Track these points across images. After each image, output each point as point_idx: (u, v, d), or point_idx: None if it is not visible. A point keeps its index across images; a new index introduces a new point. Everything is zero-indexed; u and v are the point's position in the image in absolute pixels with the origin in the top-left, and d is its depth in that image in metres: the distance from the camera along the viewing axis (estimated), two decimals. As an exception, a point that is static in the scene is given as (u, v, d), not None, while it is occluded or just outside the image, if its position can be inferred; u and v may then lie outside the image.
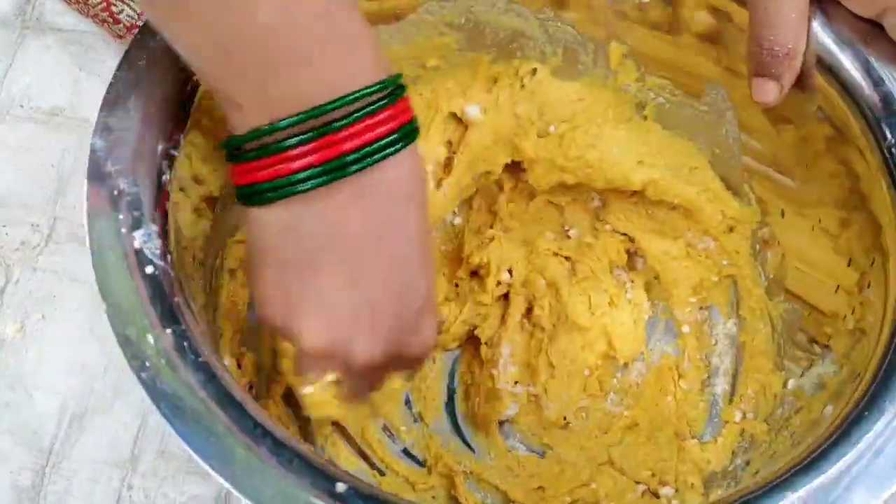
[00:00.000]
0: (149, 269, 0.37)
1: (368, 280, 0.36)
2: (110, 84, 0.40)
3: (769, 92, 0.42)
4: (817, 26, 0.42)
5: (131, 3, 0.61)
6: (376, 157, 0.34)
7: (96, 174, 0.38)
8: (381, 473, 0.53)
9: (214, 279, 0.48)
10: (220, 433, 0.34)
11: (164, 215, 0.39)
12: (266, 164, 0.33)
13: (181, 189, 0.42)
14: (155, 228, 0.38)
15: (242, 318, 0.49)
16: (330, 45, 0.33)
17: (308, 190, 0.33)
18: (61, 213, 0.61)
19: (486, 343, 0.55)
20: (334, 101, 0.32)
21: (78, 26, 0.67)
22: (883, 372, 0.37)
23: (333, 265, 0.35)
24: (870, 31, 0.41)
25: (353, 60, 0.33)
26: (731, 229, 0.54)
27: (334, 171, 0.33)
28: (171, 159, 0.40)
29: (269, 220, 0.35)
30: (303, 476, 0.33)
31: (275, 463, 0.34)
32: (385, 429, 0.54)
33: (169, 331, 0.36)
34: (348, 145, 0.33)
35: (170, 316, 0.36)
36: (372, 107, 0.33)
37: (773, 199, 0.52)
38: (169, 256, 0.38)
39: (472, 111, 0.54)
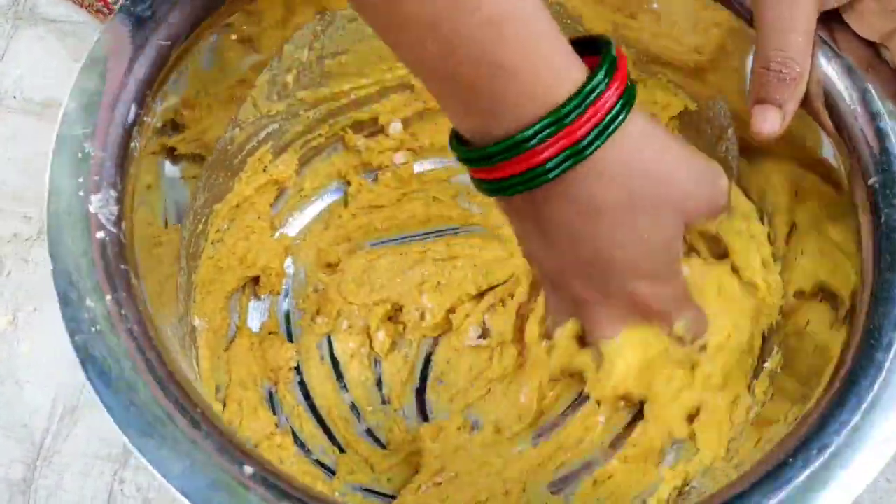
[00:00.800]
0: (99, 234, 0.37)
1: (654, 267, 0.42)
2: (92, 48, 0.41)
3: (771, 121, 0.41)
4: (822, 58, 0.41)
5: None
6: (606, 133, 0.36)
7: (65, 136, 0.39)
8: (342, 450, 0.53)
9: (194, 244, 0.49)
10: (141, 403, 0.35)
11: (126, 182, 0.39)
12: (514, 163, 0.36)
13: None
14: (114, 194, 0.38)
15: (235, 279, 0.52)
16: (551, 42, 0.36)
17: (555, 178, 0.36)
18: (54, 205, 0.61)
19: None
20: (570, 100, 0.35)
21: (72, 17, 0.67)
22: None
23: (628, 258, 0.41)
24: (872, 58, 0.41)
25: (569, 53, 0.36)
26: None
27: (574, 155, 0.36)
28: (142, 126, 0.41)
29: (521, 206, 0.40)
30: (214, 454, 0.34)
31: (190, 439, 0.34)
32: (353, 407, 0.55)
33: (109, 297, 0.36)
34: (581, 131, 0.36)
35: (113, 283, 0.37)
36: (597, 91, 0.36)
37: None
38: (123, 224, 0.39)
39: None
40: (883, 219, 0.39)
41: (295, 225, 0.59)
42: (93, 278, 0.37)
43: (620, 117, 0.37)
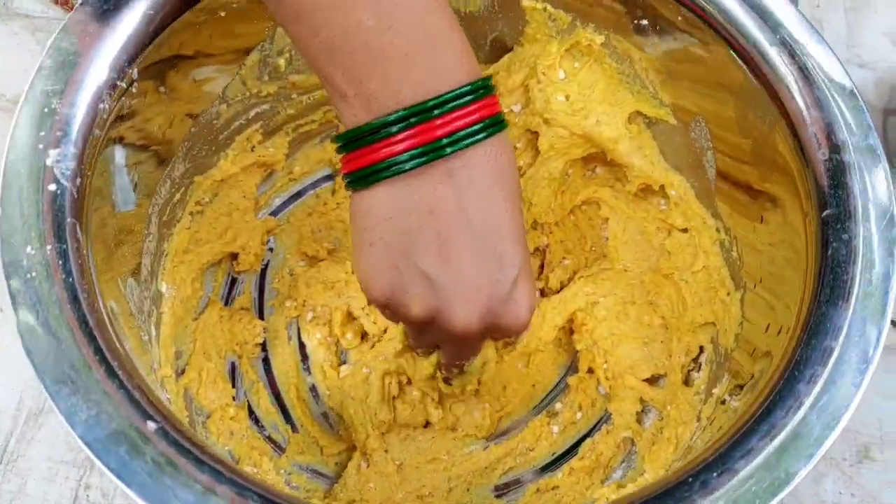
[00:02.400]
0: (52, 187, 0.37)
1: (462, 255, 0.38)
2: (74, 11, 0.40)
3: None
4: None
5: None
6: (467, 141, 0.37)
7: (34, 92, 0.39)
8: (294, 430, 0.52)
9: (170, 212, 0.48)
10: (63, 349, 0.34)
11: (88, 141, 0.39)
12: (375, 149, 0.37)
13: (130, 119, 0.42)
14: (73, 151, 0.38)
15: (212, 252, 0.52)
16: (427, 50, 0.36)
17: (410, 169, 0.37)
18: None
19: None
20: (431, 100, 0.36)
21: (46, 13, 0.65)
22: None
23: (429, 240, 0.38)
24: None
25: (448, 62, 0.37)
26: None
27: (431, 152, 0.36)
28: (114, 89, 0.40)
29: (373, 202, 0.38)
30: (123, 406, 0.34)
31: (102, 389, 0.34)
32: (313, 389, 0.54)
33: (50, 247, 0.36)
34: (442, 131, 0.36)
35: (57, 234, 0.36)
36: (462, 100, 0.37)
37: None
38: (79, 180, 0.38)
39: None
40: (830, 252, 0.39)
41: (280, 207, 0.57)
42: (38, 227, 0.36)
43: (480, 136, 0.37)
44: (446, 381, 0.51)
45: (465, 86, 0.37)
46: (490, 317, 0.40)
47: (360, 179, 0.38)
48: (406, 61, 0.36)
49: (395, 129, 0.36)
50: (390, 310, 0.40)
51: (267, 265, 0.56)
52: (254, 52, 0.49)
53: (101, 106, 0.39)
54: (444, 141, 0.37)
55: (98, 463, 0.33)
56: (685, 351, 0.52)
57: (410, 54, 0.36)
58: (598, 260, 0.56)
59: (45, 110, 0.38)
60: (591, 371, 0.54)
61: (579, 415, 0.54)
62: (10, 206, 0.36)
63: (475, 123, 0.37)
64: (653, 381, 0.53)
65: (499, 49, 0.55)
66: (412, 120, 0.36)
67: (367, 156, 0.37)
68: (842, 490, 0.53)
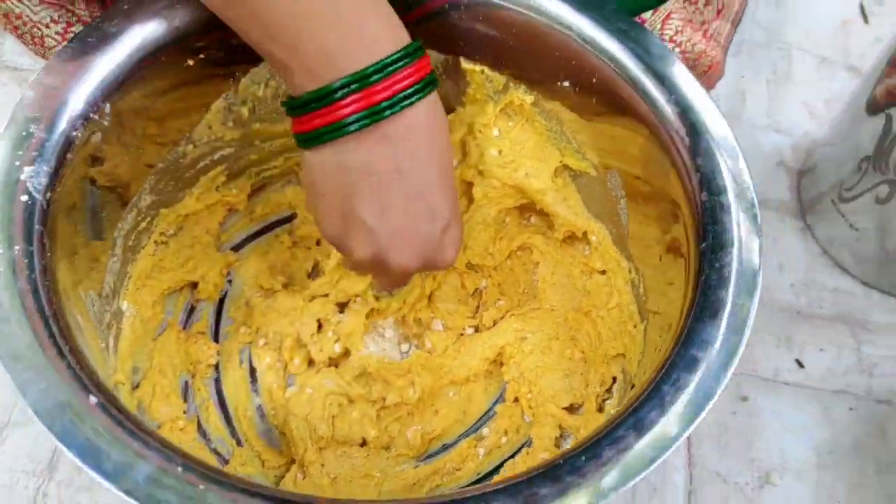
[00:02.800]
0: (23, 198, 0.42)
1: (397, 209, 0.44)
2: (56, 53, 0.46)
3: None
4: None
5: None
6: (404, 103, 0.42)
7: (16, 117, 0.44)
8: (239, 444, 0.56)
9: (135, 238, 0.53)
10: (18, 333, 0.39)
11: (61, 163, 0.44)
12: (322, 114, 0.42)
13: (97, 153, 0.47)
14: (46, 169, 0.43)
15: (174, 280, 0.56)
16: (358, 21, 0.41)
17: (354, 131, 0.42)
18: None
19: None
20: (370, 67, 0.41)
21: (34, 66, 0.71)
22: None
23: (369, 195, 0.44)
24: None
25: (380, 30, 0.42)
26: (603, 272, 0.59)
27: (373, 115, 0.42)
28: (87, 121, 0.45)
29: (322, 159, 0.44)
30: (69, 383, 0.38)
31: (52, 366, 0.38)
32: (259, 409, 0.58)
33: (18, 248, 0.40)
34: (381, 96, 0.41)
35: (25, 238, 0.41)
36: (398, 65, 0.42)
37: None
38: (49, 194, 0.43)
39: None
40: (703, 278, 0.44)
41: (241, 243, 0.62)
42: (9, 231, 0.41)
43: (415, 97, 0.43)
44: (377, 298, 0.58)
45: (400, 51, 0.42)
46: (423, 260, 0.46)
47: (310, 140, 0.43)
48: (340, 33, 0.41)
49: (339, 94, 0.41)
50: (338, 249, 0.47)
51: (225, 294, 0.60)
52: (219, 99, 0.54)
53: (74, 133, 0.44)
54: (385, 104, 0.42)
55: (45, 426, 0.36)
56: (600, 382, 0.57)
57: (343, 27, 0.40)
58: (529, 300, 0.62)
59: (24, 133, 0.43)
60: (516, 400, 0.59)
61: (504, 439, 0.58)
62: None
63: (411, 86, 0.42)
64: (571, 409, 0.58)
65: (445, 109, 0.61)
66: (354, 86, 0.41)
67: (315, 119, 0.42)
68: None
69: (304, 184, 0.47)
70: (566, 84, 0.54)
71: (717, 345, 0.42)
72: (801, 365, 0.63)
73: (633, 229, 0.55)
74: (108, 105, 0.47)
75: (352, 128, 0.42)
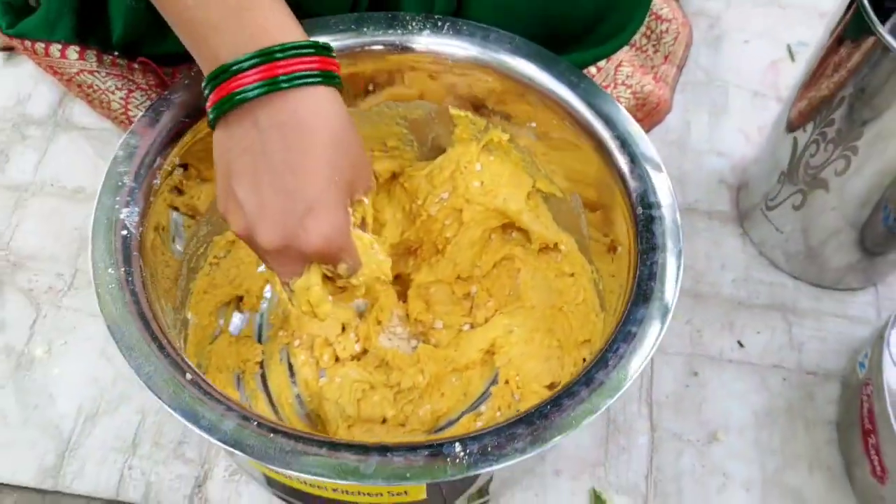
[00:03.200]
0: (123, 232, 0.55)
1: (263, 187, 0.49)
2: (138, 119, 0.59)
3: None
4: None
5: (143, 109, 0.77)
6: (299, 81, 0.47)
7: (112, 172, 0.57)
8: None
9: (195, 261, 0.66)
10: (129, 330, 0.51)
11: (148, 204, 0.57)
12: (227, 84, 0.48)
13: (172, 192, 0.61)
14: (137, 210, 0.56)
15: (224, 294, 0.69)
16: (265, 9, 0.48)
17: (254, 97, 0.47)
18: (82, 266, 0.76)
19: None
20: (275, 46, 0.47)
21: (99, 125, 0.84)
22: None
23: (243, 174, 0.49)
24: None
25: (285, 21, 0.49)
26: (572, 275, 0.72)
27: (272, 84, 0.47)
28: (161, 170, 0.59)
29: (217, 140, 0.50)
30: (169, 366, 0.50)
31: (156, 355, 0.50)
32: (298, 397, 0.70)
33: (123, 269, 0.54)
34: (281, 70, 0.47)
35: (125, 261, 0.54)
36: (302, 51, 0.48)
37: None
38: (140, 229, 0.56)
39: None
40: (638, 273, 0.56)
41: None
42: (113, 257, 0.54)
43: (316, 79, 0.48)
44: (289, 298, 0.59)
45: (304, 41, 0.48)
46: (287, 240, 0.49)
47: (217, 111, 0.48)
48: (247, 20, 0.47)
49: (246, 65, 0.47)
50: (226, 223, 0.52)
51: (265, 305, 0.73)
52: None
53: (155, 182, 0.58)
54: (283, 77, 0.46)
55: (156, 397, 0.49)
56: (573, 363, 0.69)
57: (248, 16, 0.47)
58: (514, 300, 0.75)
59: (119, 184, 0.57)
60: (507, 382, 0.71)
61: (499, 414, 0.70)
62: (97, 244, 0.54)
63: (313, 70, 0.47)
64: (552, 387, 0.70)
65: (437, 149, 0.74)
66: (258, 59, 0.46)
67: (223, 90, 0.47)
68: (695, 463, 0.69)
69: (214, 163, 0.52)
70: (533, 125, 0.68)
71: (648, 322, 0.54)
72: (741, 345, 0.76)
73: (592, 237, 0.69)
74: (177, 157, 0.60)
75: (252, 93, 0.47)
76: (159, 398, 0.49)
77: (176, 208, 0.63)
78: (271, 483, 0.61)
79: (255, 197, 0.49)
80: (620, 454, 0.69)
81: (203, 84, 0.50)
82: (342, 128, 0.50)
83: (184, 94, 0.61)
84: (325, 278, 0.55)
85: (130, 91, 0.76)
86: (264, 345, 0.71)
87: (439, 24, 0.65)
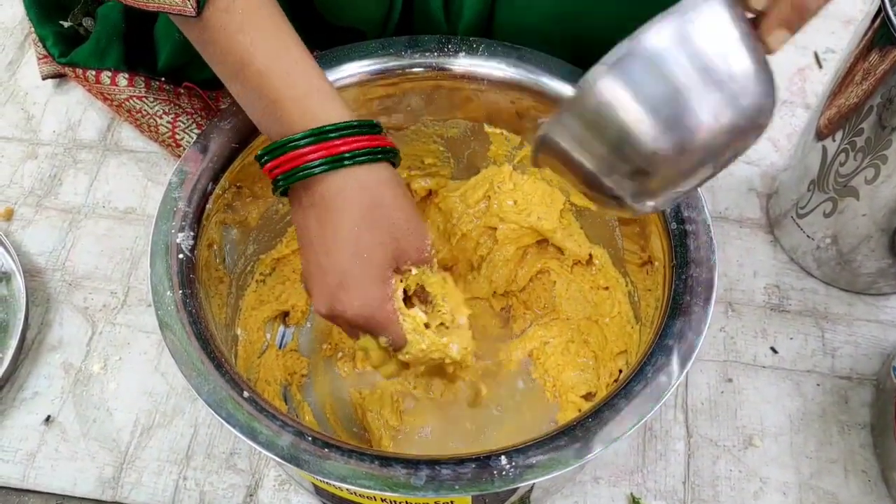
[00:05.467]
0: (180, 256, 0.58)
1: (309, 260, 0.54)
2: (191, 145, 0.62)
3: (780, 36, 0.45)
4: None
5: (189, 132, 0.81)
6: (361, 158, 0.52)
7: (167, 197, 0.60)
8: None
9: (243, 279, 0.69)
10: (188, 350, 0.54)
11: (200, 227, 0.60)
12: (287, 159, 0.52)
13: (224, 211, 0.64)
14: (192, 234, 0.59)
15: (271, 310, 0.72)
16: (316, 93, 0.53)
17: (318, 173, 0.51)
18: (134, 284, 0.80)
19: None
20: (328, 125, 0.52)
21: (147, 148, 0.87)
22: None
23: (300, 243, 0.54)
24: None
25: (334, 106, 0.53)
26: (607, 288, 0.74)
27: (334, 162, 0.51)
28: (213, 193, 0.62)
29: (293, 213, 0.55)
30: (226, 384, 0.53)
31: (214, 374, 0.53)
32: (343, 407, 0.73)
33: (181, 292, 0.57)
34: (343, 148, 0.51)
35: (183, 284, 0.57)
36: (352, 131, 0.52)
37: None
38: (195, 252, 0.59)
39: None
40: (673, 287, 0.57)
41: None
42: (171, 280, 0.57)
43: (372, 157, 0.52)
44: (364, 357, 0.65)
45: (353, 121, 0.52)
46: (330, 310, 0.54)
47: (282, 181, 0.53)
48: (304, 105, 0.52)
49: (304, 142, 0.51)
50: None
51: (310, 320, 0.76)
52: None
53: (208, 206, 0.61)
54: (347, 155, 0.51)
55: (215, 415, 0.51)
56: (609, 374, 0.71)
57: (312, 101, 0.52)
58: (549, 312, 0.77)
59: (173, 209, 0.60)
60: (545, 391, 0.74)
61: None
62: (156, 268, 0.57)
63: (370, 148, 0.51)
64: (588, 397, 0.72)
65: (471, 166, 0.76)
66: (313, 138, 0.51)
67: (286, 164, 0.52)
68: (731, 468, 0.71)
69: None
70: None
71: (684, 334, 0.55)
72: (775, 351, 0.77)
73: (627, 250, 0.70)
74: (227, 180, 0.63)
75: (315, 171, 0.51)
76: (218, 416, 0.52)
77: (227, 224, 0.65)
78: (319, 492, 0.64)
79: (306, 268, 0.55)
80: (658, 460, 0.71)
81: (256, 157, 0.55)
82: (377, 203, 0.53)
83: (232, 121, 0.64)
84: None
85: (177, 115, 0.80)
86: (309, 357, 0.74)
87: (474, 45, 0.67)
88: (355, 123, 0.53)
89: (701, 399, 0.74)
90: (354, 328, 0.55)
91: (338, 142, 0.52)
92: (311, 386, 0.73)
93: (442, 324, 0.57)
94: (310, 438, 0.51)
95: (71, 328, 0.77)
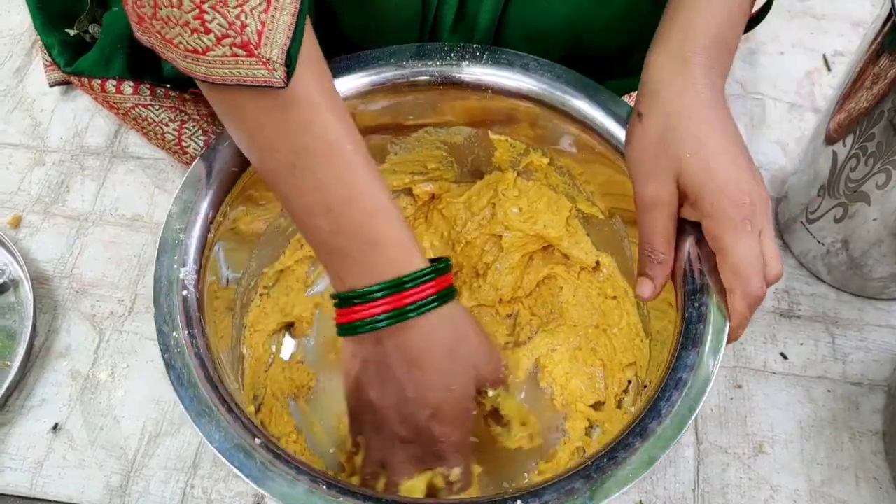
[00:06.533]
0: (184, 293, 0.57)
1: (390, 391, 0.54)
2: (186, 176, 0.61)
3: (646, 289, 0.56)
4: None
5: (195, 139, 0.81)
6: (425, 308, 0.51)
7: (168, 228, 0.59)
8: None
9: (246, 296, 0.68)
10: (200, 395, 0.53)
11: (203, 258, 0.59)
12: (359, 310, 0.52)
13: (226, 236, 0.63)
14: (195, 267, 0.58)
15: (276, 322, 0.71)
16: (403, 233, 0.52)
17: (384, 327, 0.51)
18: (141, 291, 0.79)
19: None
20: (404, 276, 0.51)
21: (154, 155, 0.87)
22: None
23: (374, 378, 0.53)
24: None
25: (411, 250, 0.52)
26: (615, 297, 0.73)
27: (400, 315, 0.51)
28: (214, 222, 0.61)
29: (348, 345, 0.55)
30: (238, 430, 0.51)
31: (225, 420, 0.52)
32: None
33: (186, 332, 0.55)
34: (409, 300, 0.51)
35: (189, 323, 0.56)
36: (426, 278, 0.51)
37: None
38: (199, 285, 0.58)
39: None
40: (686, 315, 0.55)
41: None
42: (177, 319, 0.56)
43: (438, 303, 0.52)
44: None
45: (429, 267, 0.52)
46: (416, 435, 0.54)
47: (348, 330, 0.53)
48: (384, 253, 0.51)
49: (377, 295, 0.50)
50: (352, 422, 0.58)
51: (315, 330, 0.75)
52: None
53: (210, 235, 0.60)
54: (411, 307, 0.50)
55: (227, 464, 0.50)
56: (617, 384, 0.70)
57: (388, 249, 0.51)
58: (556, 318, 0.76)
59: (176, 241, 0.58)
60: (552, 400, 0.73)
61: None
62: (160, 307, 0.56)
63: (434, 294, 0.51)
64: (596, 406, 0.71)
65: (475, 172, 0.76)
66: (386, 292, 0.50)
67: (357, 313, 0.52)
68: (742, 475, 0.70)
69: (343, 363, 0.56)
70: (574, 150, 0.69)
71: (698, 366, 0.54)
72: (785, 357, 0.76)
73: (637, 261, 0.69)
74: (228, 207, 0.62)
75: (381, 325, 0.51)
76: (231, 465, 0.50)
77: (230, 247, 0.65)
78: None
79: (385, 400, 0.54)
80: (667, 467, 0.71)
81: (332, 295, 0.55)
82: (458, 340, 0.54)
83: (231, 144, 0.62)
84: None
85: (183, 122, 0.79)
86: (316, 369, 0.73)
87: (477, 53, 0.66)
88: (430, 270, 0.52)
89: (710, 405, 0.74)
90: (427, 459, 0.56)
91: (409, 292, 0.51)
92: (319, 398, 0.72)
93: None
94: (324, 485, 0.50)
95: (78, 335, 0.77)
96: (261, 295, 0.71)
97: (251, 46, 0.46)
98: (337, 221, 0.51)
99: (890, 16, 0.63)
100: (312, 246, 0.54)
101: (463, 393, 0.55)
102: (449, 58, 0.66)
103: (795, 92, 0.91)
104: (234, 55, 0.46)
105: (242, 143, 0.54)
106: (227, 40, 0.45)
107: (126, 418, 0.73)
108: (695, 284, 0.56)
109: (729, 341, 0.54)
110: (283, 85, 0.47)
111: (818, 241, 0.77)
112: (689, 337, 0.55)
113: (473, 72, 0.66)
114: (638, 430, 0.52)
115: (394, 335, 0.52)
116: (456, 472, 0.56)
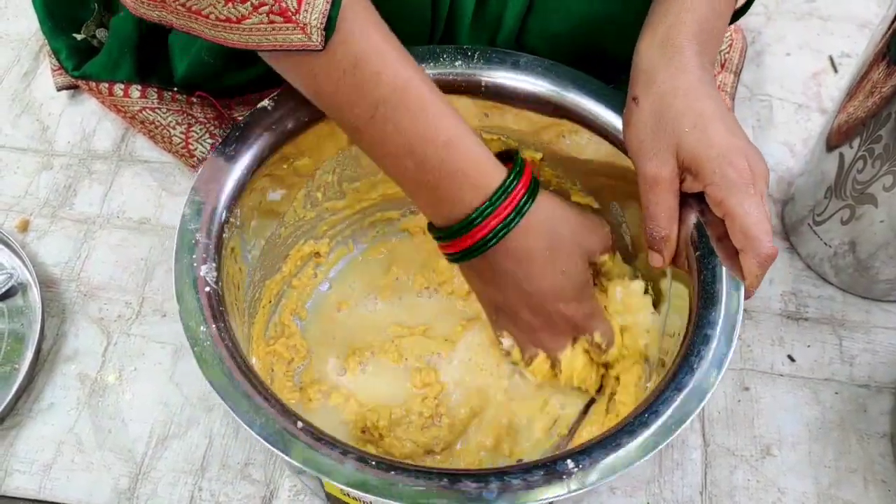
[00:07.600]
0: (206, 289, 0.57)
1: (513, 298, 0.60)
2: (197, 178, 0.61)
3: (657, 260, 0.59)
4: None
5: (202, 142, 0.81)
6: (523, 211, 0.56)
7: (183, 229, 0.59)
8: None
9: (252, 306, 0.68)
10: (232, 384, 0.52)
11: (220, 258, 0.59)
12: (468, 237, 0.56)
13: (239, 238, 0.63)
14: (214, 265, 0.58)
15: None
16: (483, 154, 0.55)
17: (494, 244, 0.56)
18: (148, 294, 0.80)
19: None
20: (497, 192, 0.55)
21: (161, 158, 0.87)
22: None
23: (497, 293, 0.60)
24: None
25: (493, 160, 0.56)
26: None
27: (504, 228, 0.56)
28: (228, 223, 0.61)
29: (469, 266, 0.60)
30: (279, 416, 0.51)
31: (263, 406, 0.51)
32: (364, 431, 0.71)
33: (213, 326, 0.55)
34: (507, 211, 0.55)
35: (214, 317, 0.56)
36: (513, 185, 0.55)
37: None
38: (220, 283, 0.58)
39: None
40: (702, 276, 0.57)
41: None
42: (203, 315, 0.56)
43: (530, 201, 0.56)
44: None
45: (511, 173, 0.56)
46: (548, 321, 0.61)
47: (462, 257, 0.58)
48: (471, 180, 0.55)
49: (477, 220, 0.55)
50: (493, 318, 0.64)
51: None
52: (302, 189, 0.69)
53: (225, 235, 0.60)
54: (510, 218, 0.55)
55: (271, 448, 0.49)
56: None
57: (472, 173, 0.55)
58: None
59: (192, 241, 0.58)
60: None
61: None
62: (185, 303, 0.55)
63: (522, 197, 0.55)
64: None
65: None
66: (487, 211, 0.55)
67: (467, 240, 0.56)
68: (749, 478, 0.70)
69: (470, 281, 0.63)
70: (568, 143, 0.69)
71: (721, 322, 0.55)
72: (792, 359, 0.76)
73: (639, 245, 0.69)
74: (238, 209, 0.62)
75: (492, 242, 0.56)
76: (274, 447, 0.50)
77: (244, 250, 0.65)
78: (330, 499, 0.63)
79: (510, 300, 0.60)
80: (674, 470, 0.71)
81: (432, 232, 0.60)
82: (555, 225, 0.58)
83: (237, 146, 0.63)
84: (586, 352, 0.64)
85: (190, 125, 0.80)
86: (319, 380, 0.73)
87: (469, 53, 0.67)
88: (513, 176, 0.56)
89: (717, 408, 0.74)
90: (570, 331, 0.62)
91: (504, 205, 0.55)
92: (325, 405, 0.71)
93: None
94: (373, 462, 0.50)
95: (86, 339, 0.77)
96: (263, 306, 0.70)
97: (289, 13, 0.46)
98: (420, 160, 0.53)
99: (896, 18, 0.63)
100: (401, 185, 0.57)
101: (575, 270, 0.59)
102: (442, 59, 0.66)
103: (802, 93, 0.91)
104: (272, 22, 0.47)
105: (320, 104, 0.56)
106: (265, 7, 0.46)
107: (134, 421, 0.73)
108: (705, 248, 0.58)
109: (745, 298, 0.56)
110: (320, 48, 0.48)
111: (825, 244, 0.77)
112: (707, 297, 0.56)
113: (467, 72, 0.66)
114: (674, 385, 0.53)
115: (498, 244, 0.56)
116: (597, 336, 0.62)
